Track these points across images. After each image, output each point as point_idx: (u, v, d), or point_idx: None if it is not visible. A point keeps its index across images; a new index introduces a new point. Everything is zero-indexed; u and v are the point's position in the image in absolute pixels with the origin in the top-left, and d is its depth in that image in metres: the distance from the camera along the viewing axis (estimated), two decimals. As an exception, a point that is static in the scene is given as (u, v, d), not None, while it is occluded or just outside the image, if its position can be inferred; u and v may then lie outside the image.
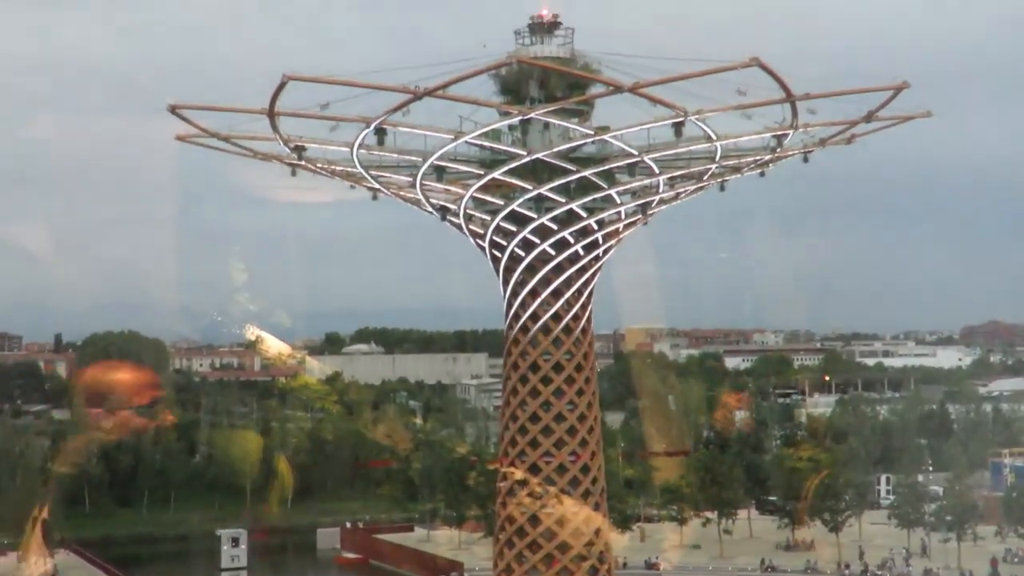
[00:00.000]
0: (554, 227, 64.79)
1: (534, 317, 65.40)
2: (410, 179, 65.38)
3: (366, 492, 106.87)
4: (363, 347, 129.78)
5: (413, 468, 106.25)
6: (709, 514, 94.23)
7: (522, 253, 65.03)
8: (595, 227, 65.72)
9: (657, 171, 63.86)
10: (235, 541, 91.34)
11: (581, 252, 65.59)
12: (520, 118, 62.93)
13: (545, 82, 63.78)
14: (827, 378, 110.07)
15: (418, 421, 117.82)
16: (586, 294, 66.47)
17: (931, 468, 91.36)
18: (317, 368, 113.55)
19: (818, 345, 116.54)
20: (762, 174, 66.79)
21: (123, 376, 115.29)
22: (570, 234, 64.95)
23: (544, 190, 63.60)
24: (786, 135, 61.69)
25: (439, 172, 64.81)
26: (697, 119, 59.12)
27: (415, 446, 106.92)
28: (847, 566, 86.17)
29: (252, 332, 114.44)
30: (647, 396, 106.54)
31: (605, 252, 67.17)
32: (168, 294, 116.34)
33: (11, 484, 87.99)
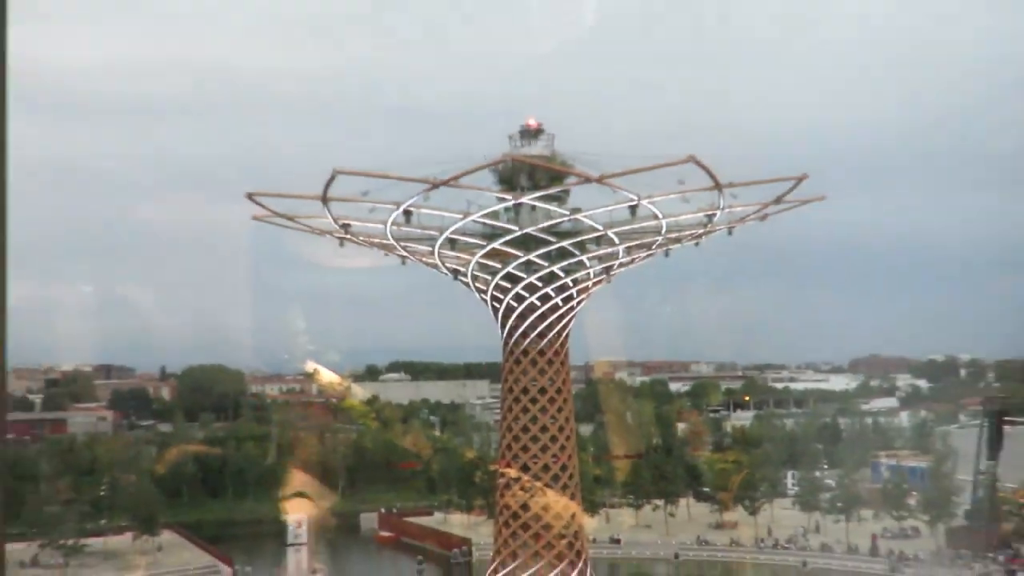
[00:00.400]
0: (539, 284, 64.71)
1: (524, 352, 65.20)
2: (430, 249, 65.11)
3: (397, 486, 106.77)
4: (395, 376, 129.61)
5: (433, 468, 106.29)
6: (658, 502, 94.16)
7: (515, 304, 65.07)
8: (570, 284, 65.54)
9: (617, 242, 63.88)
10: (298, 524, 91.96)
11: (560, 303, 65.46)
12: (513, 202, 63.95)
13: (532, 175, 63.79)
14: (747, 398, 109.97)
15: (436, 433, 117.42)
16: (564, 335, 66.27)
17: (826, 466, 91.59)
18: (360, 392, 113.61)
19: (740, 373, 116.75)
20: (697, 244, 66.24)
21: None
22: (551, 290, 64.82)
23: (531, 256, 63.89)
24: (714, 214, 61.72)
25: (452, 243, 64.25)
26: (647, 202, 59.72)
27: (434, 452, 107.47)
28: (762, 540, 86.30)
29: (310, 365, 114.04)
30: (610, 412, 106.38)
31: (578, 303, 66.74)
32: (246, 336, 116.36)
33: (128, 480, 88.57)
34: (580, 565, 63.44)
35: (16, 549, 73.45)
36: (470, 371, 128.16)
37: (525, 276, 65.06)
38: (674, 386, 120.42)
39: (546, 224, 64.08)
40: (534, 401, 65.43)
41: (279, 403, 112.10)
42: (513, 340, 66.39)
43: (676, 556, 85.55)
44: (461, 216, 62.50)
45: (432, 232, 64.46)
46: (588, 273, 66.57)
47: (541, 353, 65.98)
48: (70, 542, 76.20)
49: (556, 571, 62.10)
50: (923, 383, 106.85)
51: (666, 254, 67.43)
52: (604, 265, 66.91)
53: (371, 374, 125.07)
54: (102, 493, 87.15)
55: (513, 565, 62.76)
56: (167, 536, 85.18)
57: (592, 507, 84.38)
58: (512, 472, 64.75)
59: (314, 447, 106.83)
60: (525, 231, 63.43)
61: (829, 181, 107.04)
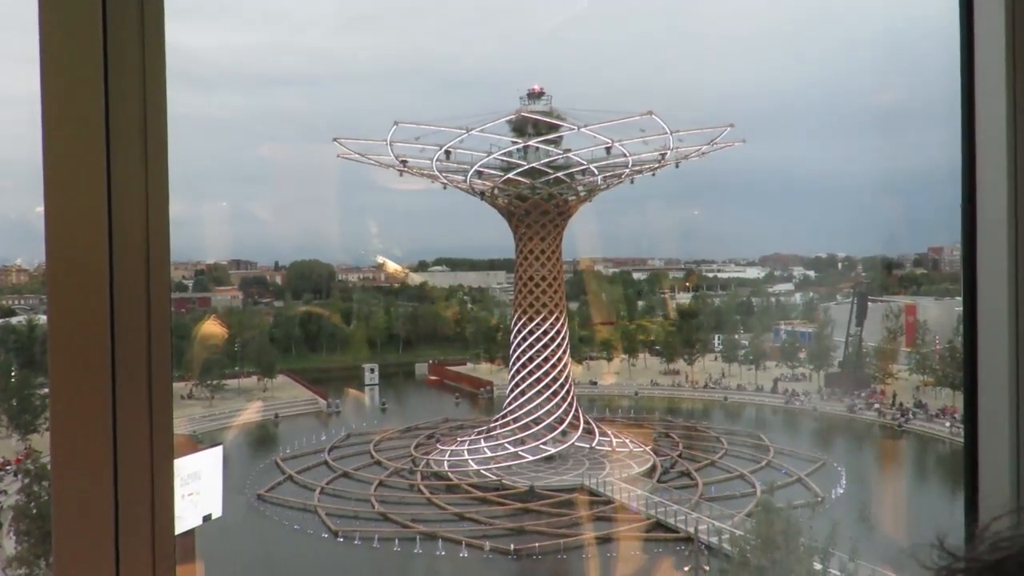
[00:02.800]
0: (540, 202, 64.66)
1: (530, 251, 65.83)
2: (463, 177, 65.54)
3: (442, 345, 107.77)
4: (438, 268, 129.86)
5: (467, 331, 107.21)
6: (623, 356, 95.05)
7: (523, 217, 65.26)
8: (563, 203, 65.41)
9: (597, 173, 64.03)
10: (371, 370, 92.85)
11: (555, 217, 65.49)
12: (522, 145, 64.11)
13: (536, 125, 63.52)
14: (687, 284, 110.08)
15: (470, 307, 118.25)
16: (558, 239, 66.53)
17: (742, 331, 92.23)
18: (415, 279, 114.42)
19: (682, 266, 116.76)
20: (653, 174, 65.26)
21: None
22: (549, 206, 64.90)
23: (536, 182, 64.15)
24: (666, 152, 62.03)
25: (479, 174, 64.62)
26: (619, 144, 60.66)
27: (468, 320, 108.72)
28: (695, 382, 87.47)
29: (380, 259, 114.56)
30: (591, 293, 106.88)
31: (568, 218, 66.76)
32: (335, 239, 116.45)
33: (253, 339, 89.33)
34: (568, 398, 64.39)
35: (177, 387, 75.16)
36: (492, 264, 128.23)
37: (531, 196, 64.89)
38: (635, 275, 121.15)
39: (545, 160, 64.02)
40: (537, 285, 65.85)
41: (357, 287, 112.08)
42: (522, 242, 66.79)
43: (636, 393, 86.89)
44: (486, 154, 63.01)
45: (465, 166, 64.38)
46: (575, 195, 66.25)
47: (542, 251, 66.25)
48: (214, 381, 77.56)
49: (551, 404, 62.97)
50: (812, 273, 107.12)
51: (631, 182, 66.97)
52: (587, 189, 66.66)
53: (422, 266, 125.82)
54: (235, 348, 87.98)
55: (522, 399, 63.75)
56: (281, 378, 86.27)
57: (578, 360, 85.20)
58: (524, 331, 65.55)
59: (382, 317, 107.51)
60: (531, 165, 63.51)
61: (754, 128, 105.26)
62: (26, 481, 39.14)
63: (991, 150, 2.58)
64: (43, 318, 77.75)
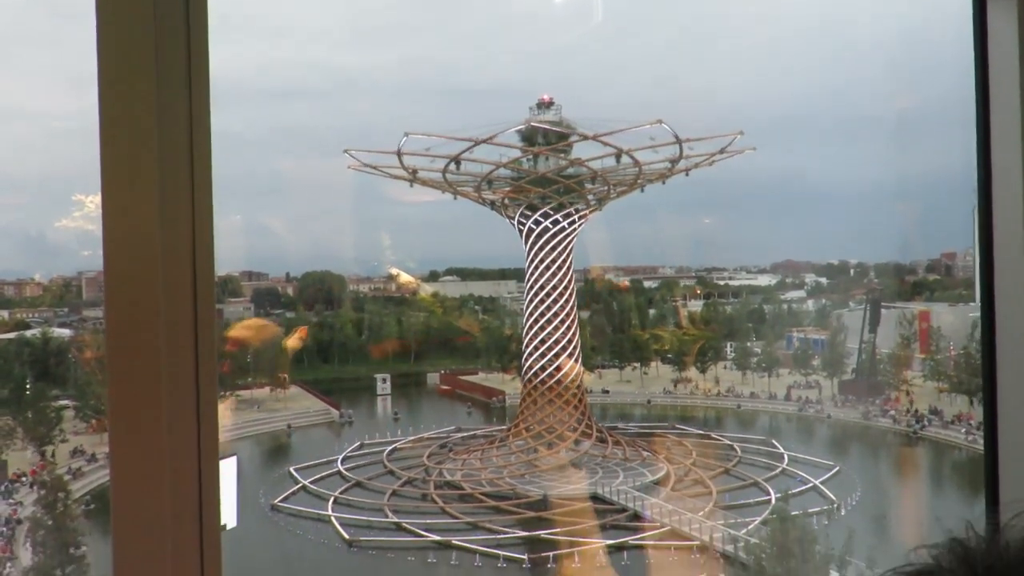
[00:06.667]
0: (551, 212, 64.79)
1: (542, 260, 65.46)
2: (474, 189, 66.07)
3: (453, 354, 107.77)
4: (450, 278, 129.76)
5: (480, 341, 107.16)
6: (635, 364, 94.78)
7: (534, 226, 65.09)
8: (573, 212, 65.34)
9: (607, 181, 64.22)
10: (383, 380, 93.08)
11: (566, 226, 65.39)
12: (532, 154, 64.32)
13: (545, 134, 63.86)
14: (698, 291, 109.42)
15: (482, 316, 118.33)
16: (569, 248, 66.05)
17: (754, 338, 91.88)
18: (427, 289, 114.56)
19: (693, 274, 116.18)
20: (663, 182, 65.30)
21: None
22: (559, 216, 64.89)
23: (546, 192, 64.15)
24: (677, 161, 61.63)
25: (489, 183, 65.06)
26: (628, 152, 60.69)
27: (480, 330, 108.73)
28: (708, 391, 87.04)
29: (391, 269, 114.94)
30: (602, 302, 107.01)
31: (579, 225, 66.30)
32: (347, 250, 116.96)
33: (266, 352, 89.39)
34: (581, 408, 64.34)
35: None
36: (503, 274, 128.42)
37: (541, 206, 65.07)
38: (646, 284, 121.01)
39: (555, 169, 64.13)
40: (548, 295, 65.80)
41: (368, 298, 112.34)
42: (533, 252, 66.68)
43: (648, 401, 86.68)
44: (495, 165, 62.99)
45: (474, 176, 64.42)
46: (585, 204, 66.32)
47: (552, 261, 66.21)
48: (226, 393, 77.79)
49: (564, 413, 62.95)
50: (824, 280, 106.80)
51: (641, 190, 66.90)
52: (597, 198, 66.75)
53: (432, 276, 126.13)
54: (248, 359, 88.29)
55: (534, 408, 63.69)
56: (293, 389, 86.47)
57: (590, 368, 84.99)
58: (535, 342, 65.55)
59: (394, 327, 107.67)
60: (541, 174, 63.59)
61: (767, 135, 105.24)
62: (42, 492, 39.36)
63: (1007, 154, 2.64)
64: (57, 331, 78.24)
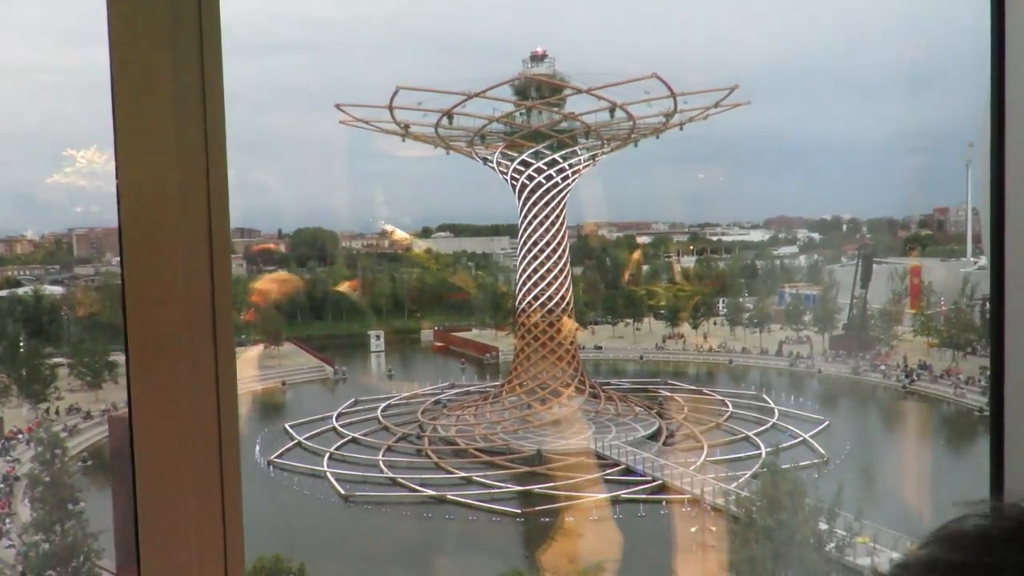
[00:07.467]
0: (544, 167, 64.43)
1: (535, 216, 65.38)
2: (467, 144, 65.53)
3: (448, 311, 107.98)
4: (443, 234, 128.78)
5: (473, 297, 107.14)
6: (628, 320, 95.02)
7: (527, 182, 64.84)
8: (566, 167, 64.91)
9: (600, 136, 63.86)
10: (377, 337, 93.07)
11: (559, 181, 65.05)
12: (525, 108, 63.80)
13: (539, 88, 63.13)
14: (691, 247, 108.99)
15: (475, 272, 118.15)
16: (562, 203, 65.88)
17: (746, 294, 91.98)
18: (420, 245, 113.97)
19: (686, 229, 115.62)
20: (657, 137, 64.67)
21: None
22: (553, 171, 64.51)
23: (540, 147, 63.69)
24: (671, 115, 61.37)
25: (482, 138, 64.72)
26: (622, 107, 60.23)
27: (476, 287, 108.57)
28: (699, 346, 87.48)
29: (384, 225, 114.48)
30: (595, 257, 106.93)
31: (572, 180, 65.84)
32: (339, 206, 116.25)
33: (260, 309, 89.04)
34: (574, 364, 64.70)
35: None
36: (496, 230, 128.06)
37: (534, 161, 64.70)
38: (639, 239, 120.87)
39: (549, 123, 63.63)
40: (541, 251, 65.75)
41: (362, 253, 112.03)
42: (526, 207, 66.54)
43: (641, 357, 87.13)
44: (488, 119, 62.39)
45: (468, 131, 63.99)
46: (579, 159, 65.96)
47: (546, 217, 66.08)
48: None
49: (557, 368, 63.33)
50: (816, 235, 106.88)
51: (635, 145, 66.55)
52: (591, 153, 66.36)
53: (425, 233, 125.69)
54: (241, 316, 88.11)
55: (528, 364, 64.02)
56: (287, 346, 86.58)
57: (583, 323, 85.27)
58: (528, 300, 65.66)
59: (388, 283, 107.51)
60: (534, 129, 63.12)
61: (766, 89, 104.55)
62: (39, 449, 39.58)
63: (1021, 106, 2.63)
64: (49, 288, 77.94)
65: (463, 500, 45.55)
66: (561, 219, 66.91)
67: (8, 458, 49.15)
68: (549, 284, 65.07)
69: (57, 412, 57.01)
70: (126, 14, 1.90)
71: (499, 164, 66.25)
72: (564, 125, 63.97)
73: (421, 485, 47.89)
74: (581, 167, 66.50)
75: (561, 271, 65.78)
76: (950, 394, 63.67)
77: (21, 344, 63.36)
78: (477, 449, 54.00)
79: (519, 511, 44.40)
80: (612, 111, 60.48)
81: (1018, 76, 2.62)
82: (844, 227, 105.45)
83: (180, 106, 1.95)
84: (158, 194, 1.93)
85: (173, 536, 1.99)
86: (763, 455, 48.27)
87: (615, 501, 45.62)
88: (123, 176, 1.91)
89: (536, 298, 65.21)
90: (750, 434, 55.93)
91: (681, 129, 64.88)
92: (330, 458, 52.46)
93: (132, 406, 1.93)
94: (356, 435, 57.29)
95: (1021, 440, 2.78)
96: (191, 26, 1.97)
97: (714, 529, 40.28)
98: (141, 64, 1.91)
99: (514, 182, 66.17)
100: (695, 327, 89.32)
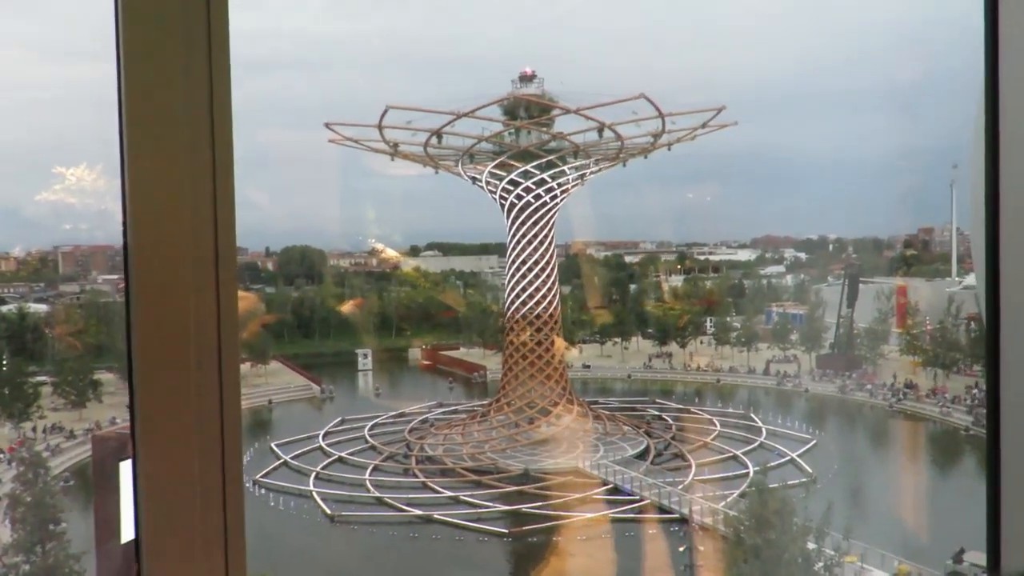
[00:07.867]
0: (532, 187, 64.34)
1: (524, 235, 65.28)
2: (455, 163, 65.49)
3: (436, 329, 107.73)
4: (431, 252, 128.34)
5: (462, 315, 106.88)
6: (617, 339, 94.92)
7: (516, 201, 64.84)
8: (556, 187, 65.00)
9: (589, 155, 64.06)
10: (364, 355, 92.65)
11: (548, 200, 65.09)
12: (514, 128, 64.00)
13: (528, 108, 63.29)
14: (679, 267, 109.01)
15: (464, 291, 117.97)
16: (551, 223, 65.95)
17: (734, 313, 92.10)
18: (409, 263, 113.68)
19: (674, 248, 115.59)
20: (646, 157, 65.30)
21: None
22: (542, 191, 64.53)
23: (528, 166, 63.72)
24: (659, 135, 61.64)
25: (471, 157, 64.99)
26: (610, 127, 60.56)
27: (466, 305, 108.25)
28: (687, 366, 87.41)
29: (374, 244, 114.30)
30: (583, 277, 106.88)
31: (561, 200, 66.04)
32: (328, 224, 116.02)
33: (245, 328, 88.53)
34: (562, 382, 64.59)
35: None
36: (485, 248, 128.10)
37: (523, 181, 64.76)
38: (627, 258, 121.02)
39: (537, 143, 63.82)
40: (530, 270, 65.82)
41: (350, 272, 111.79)
42: (515, 226, 66.56)
43: (629, 376, 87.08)
44: (477, 139, 62.58)
45: (457, 150, 64.08)
46: (567, 178, 66.11)
47: (535, 236, 66.17)
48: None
49: (545, 387, 63.17)
50: (803, 255, 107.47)
51: (624, 164, 66.84)
52: (579, 172, 66.58)
53: (414, 251, 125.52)
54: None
55: (516, 383, 63.87)
56: (274, 364, 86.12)
57: (571, 342, 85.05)
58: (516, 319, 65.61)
59: (376, 302, 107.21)
60: (523, 148, 63.25)
61: (752, 110, 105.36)
62: (21, 469, 39.11)
63: (1016, 126, 2.66)
64: (33, 306, 77.31)
65: (450, 519, 45.28)
66: (550, 238, 67.00)
67: (-11, 478, 48.54)
68: (537, 303, 65.01)
69: (39, 431, 56.39)
70: (137, 34, 1.91)
71: (488, 183, 66.24)
72: (553, 145, 64.12)
73: (408, 505, 47.59)
74: (570, 186, 66.60)
75: (550, 290, 65.79)
76: (936, 413, 63.90)
77: (4, 362, 62.80)
78: (464, 468, 53.73)
79: (506, 531, 44.15)
80: (600, 131, 60.97)
81: (1012, 91, 2.66)
82: (830, 247, 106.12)
83: (189, 124, 1.96)
84: (166, 212, 1.93)
85: (176, 551, 1.98)
86: (751, 474, 48.25)
87: (603, 520, 45.46)
88: (131, 194, 1.92)
89: (524, 317, 65.18)
90: (738, 453, 55.92)
91: (669, 149, 65.09)
92: (316, 477, 52.11)
93: (136, 421, 1.92)
94: (343, 454, 56.93)
95: (1018, 457, 2.80)
96: (200, 44, 1.98)
97: (702, 548, 40.17)
98: (151, 83, 1.93)
99: (503, 201, 66.15)
100: (683, 346, 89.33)
